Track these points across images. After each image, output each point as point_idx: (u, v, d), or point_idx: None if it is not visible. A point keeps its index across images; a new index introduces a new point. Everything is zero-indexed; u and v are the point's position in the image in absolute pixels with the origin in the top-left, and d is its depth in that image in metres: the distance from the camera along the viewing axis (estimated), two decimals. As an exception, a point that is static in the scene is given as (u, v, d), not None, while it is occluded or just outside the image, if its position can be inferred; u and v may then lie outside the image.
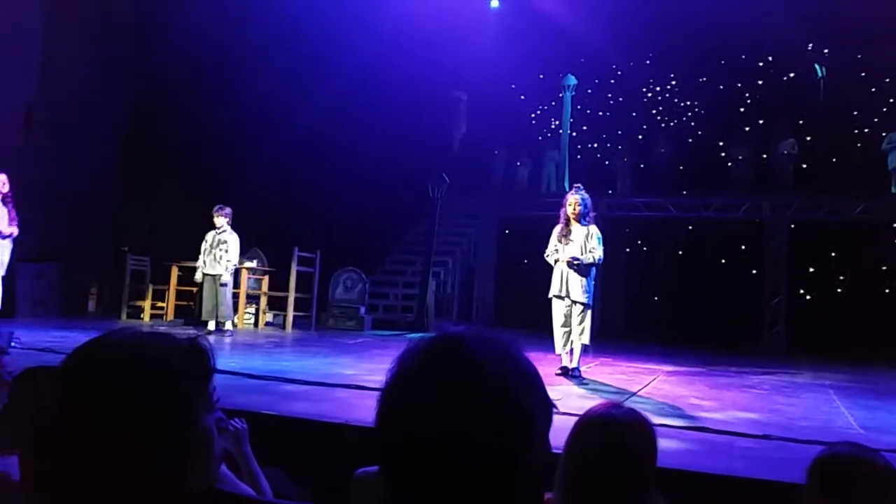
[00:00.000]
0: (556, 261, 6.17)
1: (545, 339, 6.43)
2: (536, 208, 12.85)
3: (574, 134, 13.80)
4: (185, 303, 10.11)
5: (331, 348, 7.76)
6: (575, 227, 6.13)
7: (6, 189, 7.03)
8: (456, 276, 13.15)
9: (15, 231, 7.02)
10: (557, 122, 14.21)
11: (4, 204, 7.03)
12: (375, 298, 12.06)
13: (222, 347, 7.35)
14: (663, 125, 13.97)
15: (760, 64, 13.21)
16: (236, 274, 9.27)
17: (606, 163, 13.93)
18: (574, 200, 6.13)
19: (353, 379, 5.14)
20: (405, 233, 13.71)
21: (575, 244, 6.08)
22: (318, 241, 10.74)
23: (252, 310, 10.62)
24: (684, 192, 12.66)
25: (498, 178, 14.21)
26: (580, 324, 6.04)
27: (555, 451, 0.95)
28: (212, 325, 8.48)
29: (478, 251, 13.76)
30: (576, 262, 6.02)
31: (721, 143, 13.21)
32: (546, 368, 6.19)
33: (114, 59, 10.71)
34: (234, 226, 8.65)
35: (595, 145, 14.30)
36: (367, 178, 12.52)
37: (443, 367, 0.78)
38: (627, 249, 14.17)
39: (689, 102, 13.74)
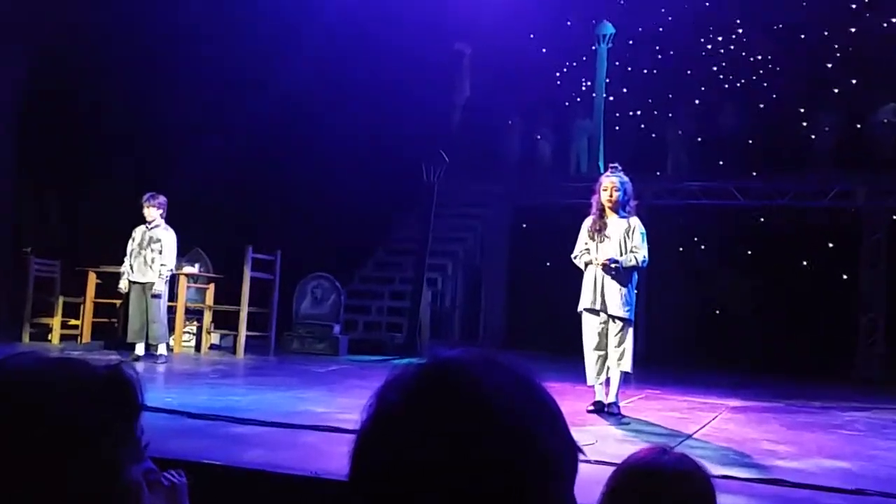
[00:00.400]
0: (586, 264, 6.17)
1: (573, 365, 6.42)
2: (562, 195, 12.85)
3: (611, 98, 13.84)
4: (105, 320, 10.10)
5: (295, 379, 7.76)
6: (612, 219, 6.13)
7: None
8: (457, 285, 13.19)
9: None
10: (589, 83, 14.23)
11: None
12: (353, 313, 12.08)
13: (154, 378, 7.36)
14: (727, 86, 13.99)
15: (853, 6, 13.21)
16: (172, 282, 9.28)
17: (653, 136, 13.94)
18: (611, 185, 6.13)
19: (324, 418, 5.15)
20: (392, 228, 13.74)
21: (612, 242, 6.09)
22: (278, 239, 10.75)
23: (193, 329, 10.62)
24: (754, 174, 12.68)
25: (512, 157, 14.25)
26: (619, 346, 6.04)
27: (582, 510, 0.95)
28: (140, 349, 8.49)
29: (486, 252, 13.79)
30: (613, 266, 6.03)
31: (802, 110, 13.23)
32: (574, 404, 6.17)
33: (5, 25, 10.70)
34: (171, 220, 8.66)
35: (638, 113, 14.32)
36: (342, 158, 12.53)
37: (436, 403, 0.79)
38: (680, 248, 14.18)
39: (760, 56, 13.76)
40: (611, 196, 6.10)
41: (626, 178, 6.20)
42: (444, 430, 0.77)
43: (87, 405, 0.86)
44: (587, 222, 6.23)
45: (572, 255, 6.30)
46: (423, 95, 12.75)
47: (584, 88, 14.57)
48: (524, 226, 14.17)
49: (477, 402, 0.78)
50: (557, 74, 14.85)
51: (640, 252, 6.06)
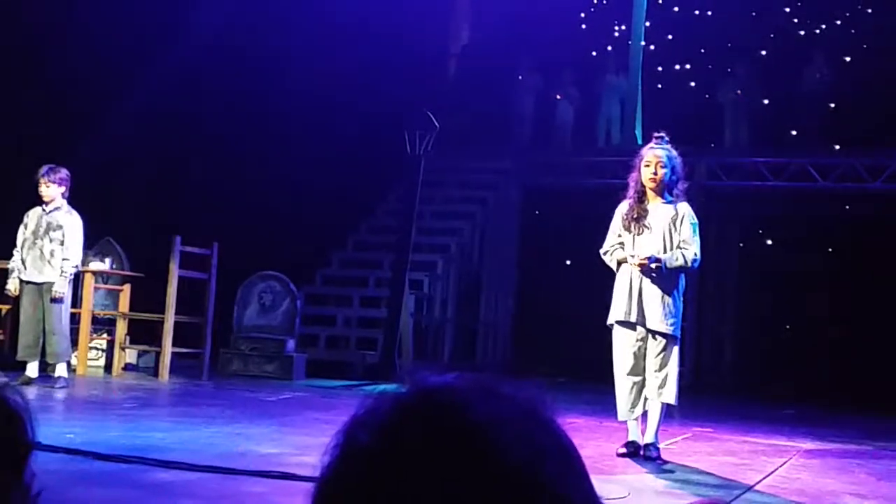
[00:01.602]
0: (620, 263, 6.17)
1: (600, 395, 6.41)
2: (587, 173, 12.87)
3: (652, 47, 13.84)
4: (-12, 331, 10.08)
5: (236, 410, 7.74)
6: (655, 204, 6.13)
7: None
8: (449, 288, 13.20)
9: None
10: (624, 27, 14.24)
11: None
12: (313, 325, 12.06)
13: (51, 407, 7.32)
14: (802, 32, 14.02)
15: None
16: (77, 282, 9.25)
17: (706, 96, 13.97)
18: (655, 160, 6.12)
19: (274, 462, 5.15)
20: (365, 215, 13.72)
21: (654, 235, 6.09)
22: (215, 228, 10.73)
23: (102, 343, 10.59)
24: (837, 148, 12.71)
25: (524, 123, 14.25)
26: (661, 370, 6.04)
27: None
28: (33, 370, 8.45)
29: (487, 247, 13.80)
30: (654, 266, 6.02)
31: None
32: (601, 445, 6.16)
33: None
34: (75, 201, 8.64)
35: (687, 67, 14.34)
36: (300, 123, 12.51)
37: (419, 445, 0.79)
38: (741, 244, 14.22)
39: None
40: (654, 174, 6.09)
41: (674, 153, 6.19)
42: (429, 479, 0.77)
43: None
44: (621, 208, 6.22)
45: (601, 251, 6.29)
46: (408, 41, 12.74)
47: (616, 34, 14.57)
48: (537, 212, 14.18)
49: (471, 444, 0.78)
50: (582, 15, 14.86)
51: (689, 249, 6.06)
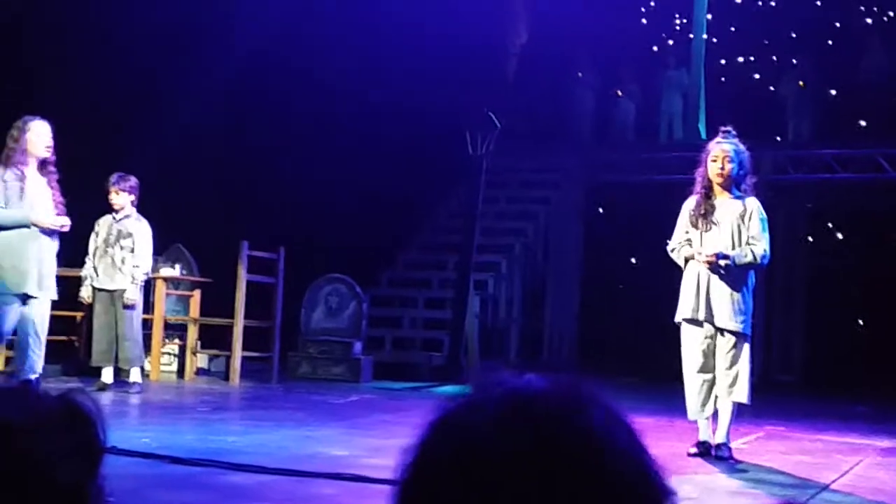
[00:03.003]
0: (687, 259, 6.13)
1: (670, 394, 6.34)
2: (650, 169, 12.75)
3: (715, 41, 13.68)
4: (63, 338, 10.26)
5: (306, 413, 7.79)
6: (722, 200, 6.08)
7: (51, 153, 6.78)
8: (514, 289, 13.17)
9: (66, 223, 6.83)
10: (685, 21, 14.08)
11: (47, 177, 6.82)
12: (380, 327, 12.10)
13: (126, 412, 7.42)
14: (870, 20, 13.75)
15: None
16: (147, 288, 9.38)
17: (771, 89, 13.77)
18: (723, 154, 6.07)
19: (346, 464, 5.16)
20: (428, 216, 13.75)
21: (722, 231, 6.04)
22: (282, 232, 10.81)
23: (174, 349, 10.72)
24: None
25: (585, 120, 14.18)
26: (731, 368, 5.98)
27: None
28: (108, 375, 8.57)
29: (552, 246, 13.75)
30: (723, 263, 5.97)
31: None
32: (672, 445, 6.10)
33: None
34: (142, 208, 8.76)
35: (751, 59, 14.15)
36: (363, 126, 12.56)
37: (532, 457, 0.79)
38: (810, 238, 13.99)
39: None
40: (722, 169, 6.04)
41: (741, 147, 6.14)
42: (542, 493, 0.78)
43: (38, 448, 0.86)
44: (689, 204, 6.18)
45: (669, 248, 6.26)
46: (467, 42, 12.73)
47: (677, 28, 14.43)
48: (601, 210, 14.09)
49: (585, 450, 0.80)
50: (642, 10, 14.74)
51: (759, 245, 6.00)
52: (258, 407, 8.37)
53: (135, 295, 8.55)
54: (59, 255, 7.03)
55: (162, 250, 10.21)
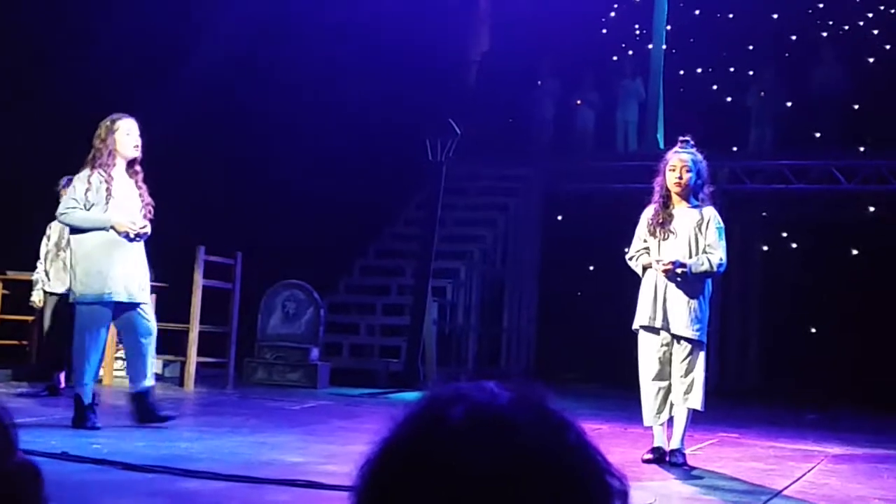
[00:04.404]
0: (645, 268, 6.16)
1: (625, 401, 6.36)
2: (609, 178, 12.81)
3: (674, 51, 13.79)
4: (13, 342, 10.13)
5: (261, 419, 7.75)
6: (680, 209, 6.12)
7: (139, 151, 6.53)
8: (472, 295, 13.17)
9: (147, 229, 6.59)
10: (644, 31, 14.18)
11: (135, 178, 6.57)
12: (337, 333, 12.06)
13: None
14: (825, 34, 13.92)
15: None
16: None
17: (729, 99, 13.90)
18: (681, 164, 6.11)
19: (301, 470, 5.13)
20: (387, 222, 13.72)
21: (679, 239, 6.07)
22: (238, 237, 10.74)
23: (128, 353, 10.64)
24: (862, 150, 12.61)
25: (544, 128, 14.22)
26: (686, 375, 6.02)
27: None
28: (59, 380, 8.53)
29: (510, 252, 13.77)
30: (680, 271, 6.01)
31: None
32: (627, 452, 6.13)
33: None
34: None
35: (710, 70, 14.27)
36: (321, 132, 12.52)
37: (500, 479, 0.80)
38: (765, 248, 14.13)
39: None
40: (680, 178, 6.08)
41: (699, 157, 6.19)
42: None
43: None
44: (647, 213, 6.22)
45: (627, 257, 6.29)
46: (428, 48, 12.74)
47: (636, 36, 14.53)
48: (559, 218, 14.14)
49: (560, 472, 0.81)
50: (602, 20, 14.82)
51: (715, 253, 6.04)
52: (213, 413, 8.30)
53: (88, 299, 8.44)
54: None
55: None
